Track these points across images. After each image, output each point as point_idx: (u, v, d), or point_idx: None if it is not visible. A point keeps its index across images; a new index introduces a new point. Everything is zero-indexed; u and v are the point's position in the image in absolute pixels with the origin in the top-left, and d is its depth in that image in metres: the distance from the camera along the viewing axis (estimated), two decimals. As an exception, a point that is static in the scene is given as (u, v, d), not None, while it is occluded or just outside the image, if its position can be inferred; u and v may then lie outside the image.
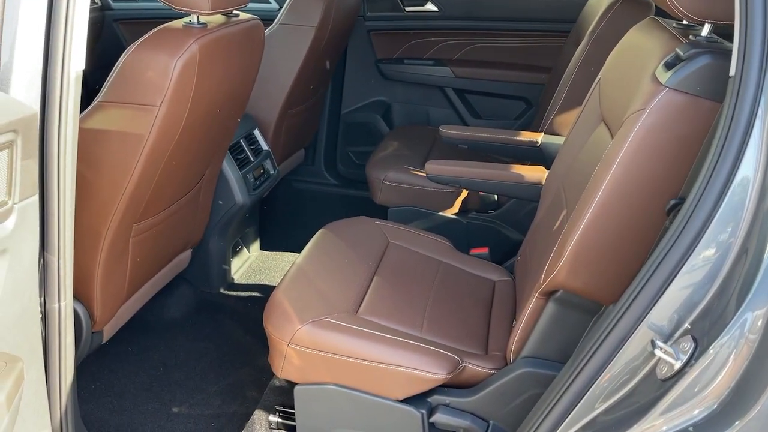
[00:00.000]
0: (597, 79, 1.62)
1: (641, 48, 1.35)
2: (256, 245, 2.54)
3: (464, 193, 2.31)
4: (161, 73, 1.35)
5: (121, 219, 1.48)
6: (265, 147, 2.33)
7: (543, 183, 1.86)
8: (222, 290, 2.29)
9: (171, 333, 2.10)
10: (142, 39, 1.38)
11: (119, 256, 1.58)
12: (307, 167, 3.09)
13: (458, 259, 1.85)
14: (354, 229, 1.87)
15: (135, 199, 1.49)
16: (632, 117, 1.16)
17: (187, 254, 2.08)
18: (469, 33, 2.90)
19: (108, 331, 1.68)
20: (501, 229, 2.31)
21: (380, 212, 2.42)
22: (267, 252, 2.57)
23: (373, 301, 1.56)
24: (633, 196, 1.16)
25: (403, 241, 1.86)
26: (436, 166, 1.93)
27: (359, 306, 1.54)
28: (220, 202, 2.12)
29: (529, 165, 2.26)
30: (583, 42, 2.07)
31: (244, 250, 2.48)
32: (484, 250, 1.90)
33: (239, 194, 2.11)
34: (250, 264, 2.46)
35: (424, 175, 2.32)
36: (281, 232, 2.80)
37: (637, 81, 1.24)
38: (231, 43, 1.57)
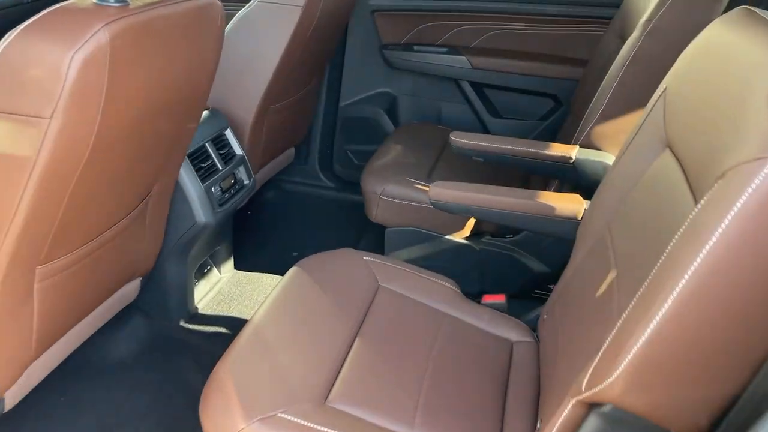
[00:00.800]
0: (660, 90, 1.20)
1: (740, 55, 0.93)
2: (229, 264, 2.15)
3: None
4: (51, 74, 0.95)
5: (11, 264, 1.10)
6: (238, 151, 1.94)
7: (580, 218, 1.44)
8: (182, 323, 1.90)
9: (115, 378, 1.73)
10: (27, 23, 0.98)
11: (17, 307, 1.19)
12: (299, 166, 2.69)
13: (467, 311, 1.45)
14: (335, 267, 1.47)
15: (29, 239, 1.10)
16: (741, 169, 0.74)
17: (134, 284, 1.69)
18: (489, 16, 2.46)
19: (13, 397, 1.31)
20: (521, 258, 1.91)
21: (378, 227, 2.02)
22: (243, 273, 2.18)
23: (350, 382, 1.16)
24: (738, 290, 0.75)
25: (397, 283, 1.46)
26: (441, 191, 1.52)
27: (330, 389, 1.14)
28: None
29: (558, 182, 1.85)
30: (635, 34, 1.63)
31: (214, 270, 2.10)
32: (501, 299, 1.50)
33: (200, 213, 1.72)
34: (220, 288, 2.08)
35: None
36: (264, 245, 2.40)
37: (740, 109, 0.83)
38: (169, 27, 1.16)
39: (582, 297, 1.21)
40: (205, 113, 1.86)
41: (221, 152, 1.85)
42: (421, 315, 1.41)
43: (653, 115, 1.21)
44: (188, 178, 1.70)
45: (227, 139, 1.91)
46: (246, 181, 1.94)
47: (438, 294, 1.46)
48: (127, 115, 1.13)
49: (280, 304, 1.32)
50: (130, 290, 1.67)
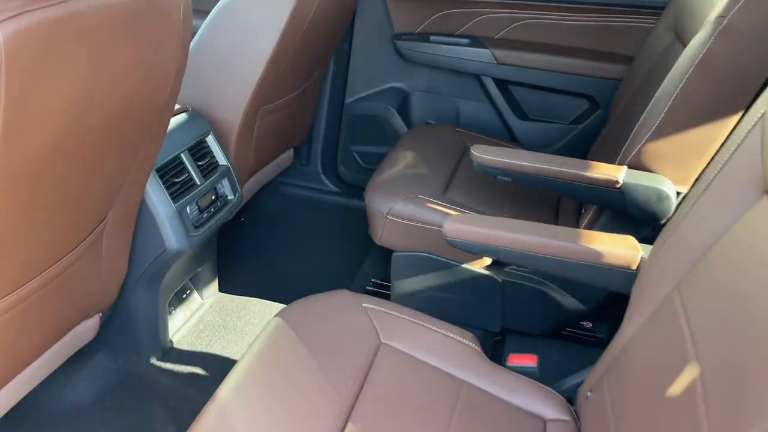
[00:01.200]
0: (756, 116, 0.91)
1: None
2: (212, 287, 1.87)
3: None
4: None
5: None
6: (222, 161, 1.65)
7: (635, 268, 1.15)
8: (153, 360, 1.64)
9: (70, 426, 1.47)
10: None
11: None
12: (299, 168, 2.41)
13: (490, 377, 1.17)
14: (327, 318, 1.19)
15: None
16: None
17: (92, 322, 1.42)
18: (518, 4, 2.15)
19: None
20: (550, 292, 1.62)
21: (386, 258, 1.74)
22: (229, 297, 1.90)
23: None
24: None
25: (403, 340, 1.18)
26: (459, 227, 1.23)
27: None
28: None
29: (596, 209, 1.55)
30: (702, 33, 1.32)
31: (194, 295, 1.82)
32: (531, 361, 1.22)
33: (172, 238, 1.44)
34: (201, 317, 1.81)
35: (446, 211, 1.62)
36: (256, 259, 2.13)
37: None
38: (102, 24, 0.87)
39: (645, 383, 0.92)
40: (181, 117, 1.57)
41: (200, 163, 1.57)
42: (434, 382, 1.13)
43: (746, 147, 0.91)
44: (156, 198, 1.42)
45: (208, 146, 1.63)
46: (230, 196, 1.66)
47: (455, 354, 1.18)
48: (43, 135, 0.85)
49: (254, 372, 1.04)
50: (87, 329, 1.41)
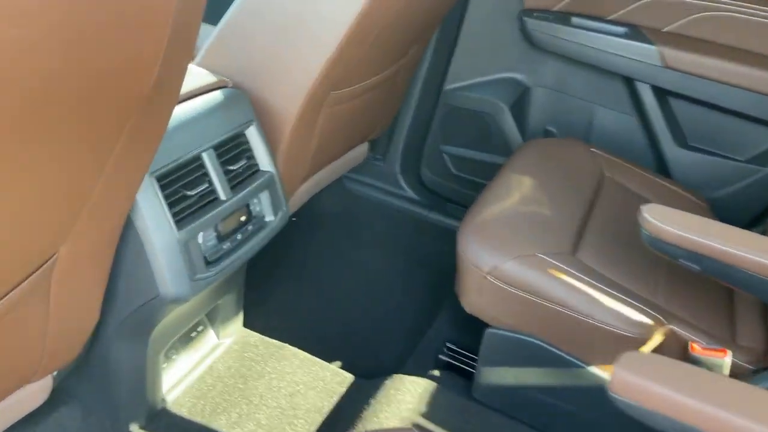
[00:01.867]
0: None
1: None
2: (234, 322, 1.40)
3: (658, 336, 1.08)
4: None
5: None
6: (265, 165, 1.16)
7: None
8: (134, 428, 1.18)
9: None
10: None
11: None
12: (373, 163, 1.91)
13: None
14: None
15: None
16: None
17: (38, 386, 0.97)
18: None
19: None
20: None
21: (473, 322, 1.23)
22: (257, 336, 1.43)
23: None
24: None
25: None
26: (630, 380, 0.69)
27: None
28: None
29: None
30: None
31: (208, 333, 1.36)
32: None
33: (167, 281, 0.97)
34: (212, 365, 1.34)
35: (577, 285, 1.09)
36: (299, 282, 1.65)
37: None
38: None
39: None
40: (211, 97, 1.08)
41: (230, 168, 1.08)
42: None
43: None
44: (150, 219, 0.94)
45: (247, 143, 1.13)
46: (269, 217, 1.17)
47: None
48: None
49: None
50: (30, 394, 0.96)
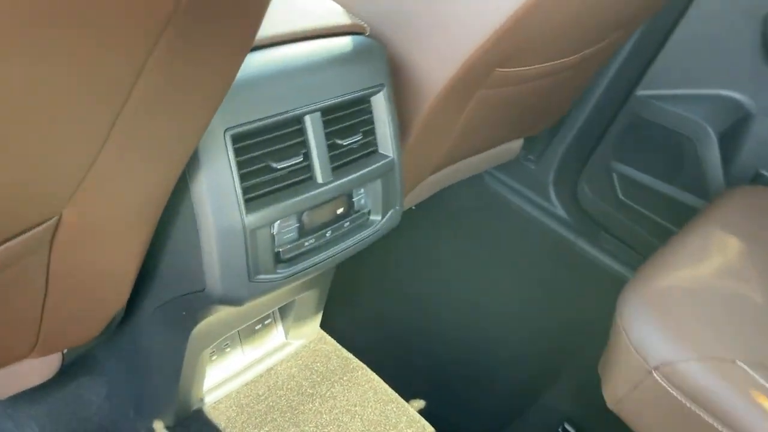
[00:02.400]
0: None
1: None
2: (311, 322, 1.15)
3: None
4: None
5: None
6: (386, 148, 0.87)
7: None
8: (161, 426, 0.97)
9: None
10: None
11: None
12: (524, 164, 1.59)
13: None
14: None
15: None
16: None
17: (46, 363, 0.77)
18: None
19: None
20: None
21: (605, 408, 0.90)
22: (331, 343, 1.17)
23: None
24: None
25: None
26: None
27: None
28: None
29: None
30: None
31: (276, 328, 1.12)
32: None
33: (217, 278, 0.72)
34: (273, 366, 1.10)
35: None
36: (403, 282, 1.38)
37: None
38: None
39: None
40: (338, 43, 0.80)
41: (340, 141, 0.80)
42: None
43: None
44: (211, 189, 0.68)
45: (370, 114, 0.85)
46: (375, 216, 0.88)
47: None
48: None
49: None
50: (30, 371, 0.76)
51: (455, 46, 0.85)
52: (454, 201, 1.62)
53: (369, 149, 0.86)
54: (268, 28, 0.77)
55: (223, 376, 1.02)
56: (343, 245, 0.84)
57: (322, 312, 1.15)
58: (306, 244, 0.80)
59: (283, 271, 0.77)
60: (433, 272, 1.45)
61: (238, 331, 1.03)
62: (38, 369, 0.78)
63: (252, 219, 0.71)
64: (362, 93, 0.82)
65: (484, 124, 1.09)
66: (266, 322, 1.09)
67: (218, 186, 0.69)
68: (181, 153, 0.56)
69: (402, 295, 1.37)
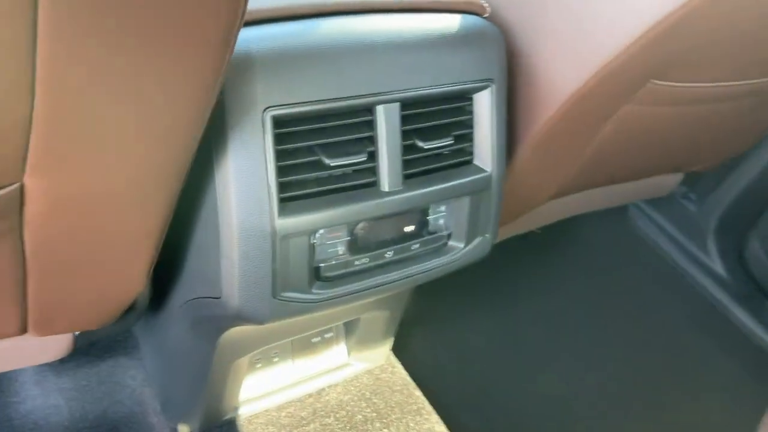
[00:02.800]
0: None
1: None
2: (380, 346, 1.00)
3: None
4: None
5: None
6: (485, 160, 0.69)
7: None
8: (186, 428, 0.87)
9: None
10: None
11: None
12: (681, 202, 1.33)
13: None
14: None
15: None
16: None
17: (56, 341, 0.69)
18: None
19: None
20: None
21: None
22: (400, 371, 1.02)
23: None
24: None
25: None
26: None
27: None
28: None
29: None
30: None
31: (339, 343, 0.98)
32: None
33: (237, 289, 0.59)
34: (326, 388, 0.96)
35: None
36: (498, 312, 1.19)
37: None
38: None
39: None
40: (443, 20, 0.64)
41: (422, 143, 0.64)
42: None
43: None
44: (238, 180, 0.55)
45: (471, 115, 0.67)
46: (456, 242, 0.71)
47: None
48: None
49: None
50: (37, 347, 0.68)
51: (595, 46, 0.65)
52: (586, 231, 1.39)
53: (461, 158, 0.68)
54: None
55: (265, 389, 0.90)
56: (406, 271, 0.68)
57: (393, 335, 1.00)
58: (357, 263, 0.64)
59: (321, 292, 0.62)
60: (542, 312, 1.23)
61: (291, 340, 0.90)
62: (46, 347, 0.70)
63: (286, 223, 0.57)
64: (463, 86, 0.65)
65: (628, 148, 0.87)
66: (326, 336, 0.95)
67: (248, 177, 0.55)
68: (176, 113, 0.43)
69: (496, 331, 1.17)
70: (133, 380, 0.90)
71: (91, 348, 0.89)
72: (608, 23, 0.63)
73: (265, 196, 0.56)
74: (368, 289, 0.66)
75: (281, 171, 0.57)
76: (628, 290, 1.33)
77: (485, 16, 0.69)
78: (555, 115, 0.71)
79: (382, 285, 0.67)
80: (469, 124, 0.68)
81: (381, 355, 0.99)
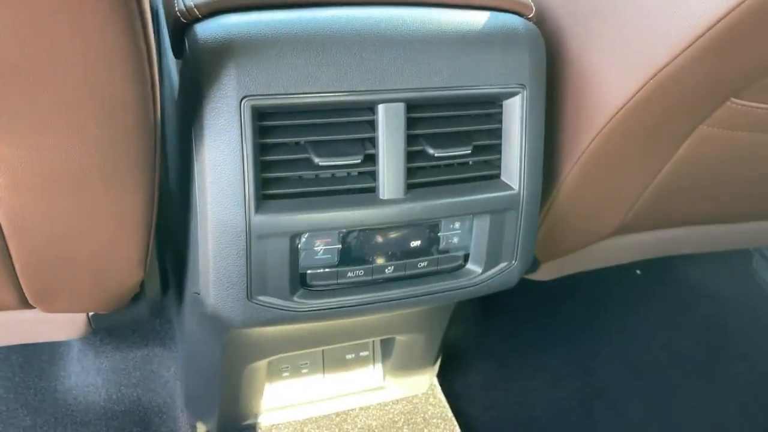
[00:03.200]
0: None
1: None
2: (419, 371, 0.93)
3: None
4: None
5: None
6: (512, 175, 0.61)
7: None
8: (204, 430, 0.86)
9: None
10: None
11: None
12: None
13: None
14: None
15: None
16: None
17: (69, 320, 0.71)
18: None
19: None
20: None
21: None
22: (441, 404, 0.94)
23: None
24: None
25: None
26: None
27: None
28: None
29: None
30: None
31: (375, 363, 0.92)
32: None
33: (212, 288, 0.56)
34: (354, 412, 0.91)
35: None
36: (570, 357, 1.07)
37: None
38: None
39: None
40: (475, 18, 0.58)
41: (432, 150, 0.57)
42: None
43: None
44: (213, 170, 0.53)
45: (500, 124, 0.60)
46: (474, 266, 0.63)
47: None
48: None
49: None
50: (38, 322, 0.70)
51: (644, 53, 0.55)
52: (696, 277, 1.22)
53: (485, 171, 0.61)
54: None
55: (291, 399, 0.87)
56: (410, 291, 0.62)
57: (437, 362, 0.92)
58: (350, 275, 0.59)
59: (304, 302, 0.58)
60: (628, 362, 1.09)
61: (323, 351, 0.86)
62: (63, 325, 0.72)
63: (263, 221, 0.54)
64: (484, 90, 0.58)
65: (720, 181, 0.74)
66: (362, 354, 0.90)
67: (223, 169, 0.52)
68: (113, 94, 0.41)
69: (565, 373, 1.05)
70: (167, 371, 0.90)
71: (132, 333, 0.92)
72: (658, 28, 0.53)
73: (239, 189, 0.53)
74: (361, 305, 0.60)
75: (265, 166, 0.53)
76: (743, 353, 1.14)
77: (529, 16, 0.62)
78: (605, 130, 0.61)
79: (380, 303, 0.61)
80: (497, 134, 0.61)
81: (422, 383, 0.92)
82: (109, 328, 0.89)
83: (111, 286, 0.64)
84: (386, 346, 0.89)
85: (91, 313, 0.71)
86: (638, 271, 1.25)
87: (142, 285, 0.68)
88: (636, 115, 0.59)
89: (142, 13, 0.37)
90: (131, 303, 0.70)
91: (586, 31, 0.61)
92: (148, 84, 0.42)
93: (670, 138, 0.65)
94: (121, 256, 0.59)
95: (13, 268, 0.57)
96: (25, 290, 0.61)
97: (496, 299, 1.11)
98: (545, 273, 0.87)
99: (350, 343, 0.85)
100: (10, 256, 0.55)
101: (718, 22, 0.49)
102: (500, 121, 0.61)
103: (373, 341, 0.89)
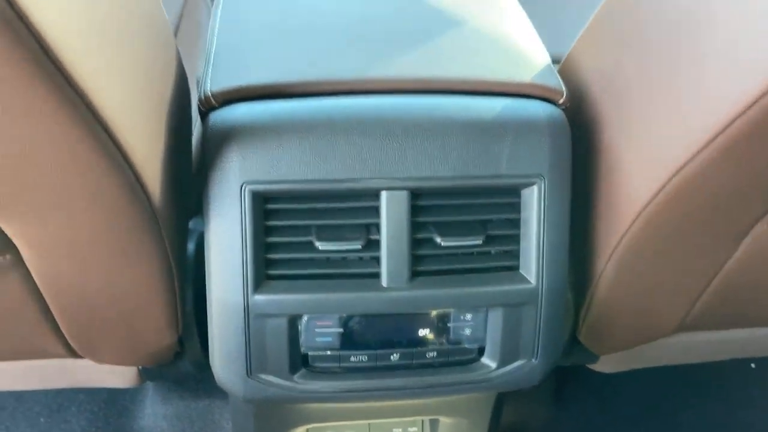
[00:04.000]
0: None
1: None
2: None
3: None
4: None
5: None
6: (530, 267, 0.58)
7: None
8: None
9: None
10: None
11: None
12: None
13: None
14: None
15: None
16: None
17: (123, 374, 0.77)
18: None
19: None
20: None
21: None
22: None
23: None
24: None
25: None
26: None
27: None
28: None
29: None
30: None
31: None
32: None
33: (217, 358, 0.58)
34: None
35: None
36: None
37: None
38: None
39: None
40: (497, 105, 0.57)
41: (439, 238, 0.56)
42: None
43: None
44: (216, 253, 0.55)
45: (519, 213, 0.57)
46: (489, 361, 0.60)
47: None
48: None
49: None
50: (91, 371, 0.77)
51: (680, 129, 0.50)
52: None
53: (503, 262, 0.58)
54: (418, 66, 0.58)
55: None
56: (420, 380, 0.60)
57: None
58: (353, 359, 0.59)
59: (305, 382, 0.58)
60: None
61: (369, 424, 0.85)
62: (117, 375, 0.78)
63: (262, 301, 0.55)
64: (499, 181, 0.56)
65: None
66: (410, 430, 0.87)
67: (226, 249, 0.55)
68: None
69: None
70: (228, 423, 0.94)
71: (198, 383, 0.97)
72: (681, 124, 0.48)
73: (238, 270, 0.55)
74: (366, 390, 0.59)
75: (268, 247, 0.55)
76: None
77: (560, 102, 0.59)
78: (635, 227, 0.56)
79: (386, 390, 0.60)
80: (515, 224, 0.58)
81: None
82: (161, 379, 0.95)
83: (146, 346, 0.68)
84: (434, 426, 0.86)
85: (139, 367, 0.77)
86: (753, 365, 1.11)
87: (182, 343, 0.72)
88: (667, 213, 0.54)
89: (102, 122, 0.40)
90: (176, 358, 0.74)
91: (618, 119, 0.57)
92: (130, 176, 0.45)
93: (723, 235, 0.58)
94: (150, 320, 0.63)
95: (56, 323, 0.63)
96: (70, 343, 0.67)
97: (576, 378, 1.04)
98: (607, 366, 0.80)
99: (396, 419, 0.84)
100: (48, 309, 0.61)
101: (735, 120, 0.44)
102: (519, 211, 0.58)
103: (422, 419, 0.86)
